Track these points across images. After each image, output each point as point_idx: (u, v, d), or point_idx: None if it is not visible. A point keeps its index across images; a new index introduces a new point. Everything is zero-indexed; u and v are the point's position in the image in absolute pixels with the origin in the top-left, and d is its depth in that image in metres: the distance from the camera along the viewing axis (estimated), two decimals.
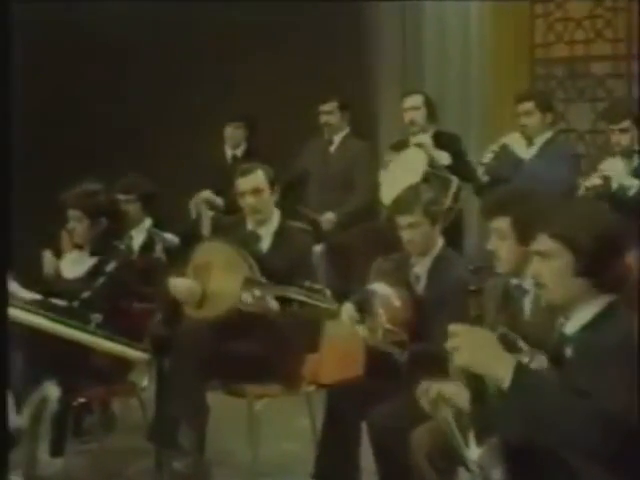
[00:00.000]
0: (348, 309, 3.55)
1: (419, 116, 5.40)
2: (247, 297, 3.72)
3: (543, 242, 2.34)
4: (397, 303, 3.41)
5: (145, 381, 3.98)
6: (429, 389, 2.78)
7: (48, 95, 6.58)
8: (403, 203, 3.60)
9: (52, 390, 3.68)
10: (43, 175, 6.22)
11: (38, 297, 3.91)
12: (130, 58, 6.70)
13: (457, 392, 2.61)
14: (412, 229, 3.54)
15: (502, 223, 2.99)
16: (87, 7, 6.59)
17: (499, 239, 3.01)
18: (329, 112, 5.75)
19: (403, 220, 3.56)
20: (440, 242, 3.64)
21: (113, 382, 3.91)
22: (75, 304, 3.85)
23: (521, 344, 2.39)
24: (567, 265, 2.30)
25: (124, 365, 3.87)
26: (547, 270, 2.33)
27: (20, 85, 6.12)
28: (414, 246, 3.58)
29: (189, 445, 3.86)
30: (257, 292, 3.71)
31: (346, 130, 5.80)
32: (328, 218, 5.58)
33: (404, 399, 3.17)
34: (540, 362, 2.35)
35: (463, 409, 2.62)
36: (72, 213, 4.02)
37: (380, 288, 3.46)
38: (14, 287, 3.90)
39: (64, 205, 4.03)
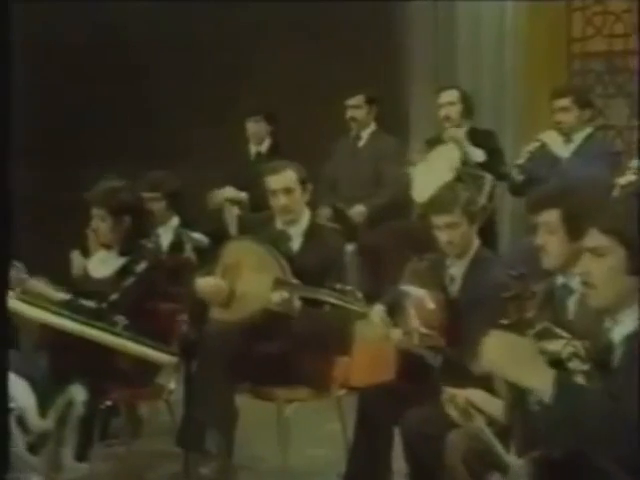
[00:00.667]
0: (378, 311, 3.51)
1: (454, 112, 5.32)
2: (277, 298, 3.69)
3: (595, 238, 2.27)
4: (430, 305, 3.35)
5: (172, 384, 3.94)
6: (456, 397, 2.72)
7: (71, 93, 6.59)
8: (441, 202, 3.53)
9: (78, 393, 3.65)
10: (70, 173, 6.20)
11: (67, 297, 3.87)
12: (150, 53, 6.68)
13: (486, 400, 2.55)
14: (450, 229, 3.47)
15: (551, 216, 2.93)
16: (105, 4, 6.60)
17: (547, 233, 2.94)
18: (356, 106, 5.67)
19: (440, 220, 3.49)
20: (476, 243, 3.57)
21: (140, 385, 3.88)
22: (104, 306, 3.81)
23: (564, 334, 2.32)
24: (619, 263, 2.23)
25: (151, 367, 3.85)
26: (598, 269, 2.26)
27: (42, 84, 6.36)
28: (452, 247, 3.51)
29: (217, 450, 3.83)
30: (287, 293, 3.66)
31: (373, 125, 5.73)
32: (359, 211, 5.50)
33: (437, 404, 3.09)
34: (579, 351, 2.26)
35: (496, 418, 2.57)
36: (96, 212, 3.97)
37: (413, 289, 3.40)
38: (42, 286, 3.87)
39: (88, 203, 4.00)
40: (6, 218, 2.84)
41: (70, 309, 3.74)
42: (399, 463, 3.41)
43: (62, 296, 3.87)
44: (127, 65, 6.70)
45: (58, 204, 6.02)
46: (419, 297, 3.36)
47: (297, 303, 3.65)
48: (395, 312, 3.44)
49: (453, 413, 2.76)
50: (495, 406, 2.63)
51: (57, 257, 4.40)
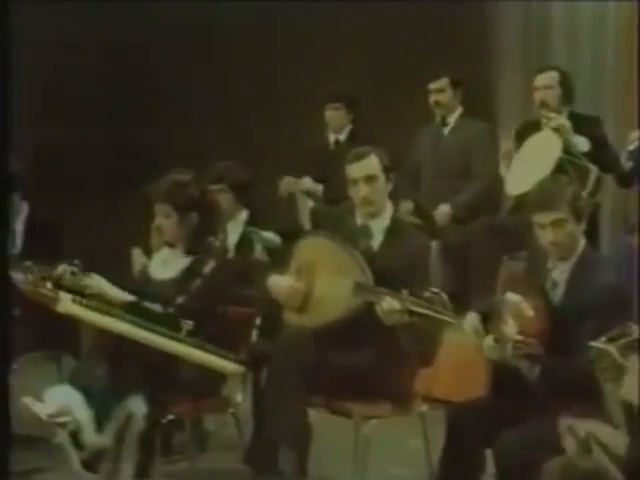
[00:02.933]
0: (472, 320, 3.26)
1: (552, 96, 5.01)
2: (357, 304, 3.54)
3: None
4: (530, 313, 3.11)
5: (240, 396, 3.82)
6: (576, 428, 2.49)
7: (139, 83, 6.61)
8: (546, 197, 3.28)
9: (138, 405, 3.53)
10: (131, 165, 6.18)
11: (132, 299, 3.74)
12: (221, 36, 6.66)
13: (613, 436, 2.32)
14: (556, 228, 3.23)
15: None
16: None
17: None
18: (440, 90, 5.46)
19: (545, 217, 3.23)
20: (583, 243, 3.32)
21: (205, 396, 3.74)
22: (170, 310, 3.69)
23: None
24: None
25: (217, 378, 3.72)
26: None
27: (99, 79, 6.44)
28: (557, 248, 3.27)
29: (289, 469, 3.68)
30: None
31: (459, 110, 5.51)
32: (444, 212, 5.28)
33: (536, 424, 3.01)
34: None
35: (618, 455, 2.39)
36: (159, 208, 3.82)
37: (510, 295, 3.16)
38: (104, 285, 3.74)
39: (151, 199, 3.84)
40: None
41: (134, 313, 3.61)
42: None
43: (127, 297, 3.74)
44: (199, 52, 6.68)
45: (116, 199, 5.98)
46: (516, 303, 3.13)
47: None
48: (489, 321, 3.20)
49: (570, 446, 2.53)
50: (619, 441, 2.39)
51: (117, 255, 4.27)
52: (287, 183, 5.51)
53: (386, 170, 3.79)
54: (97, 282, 3.72)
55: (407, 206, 5.28)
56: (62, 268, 3.67)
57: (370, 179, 3.74)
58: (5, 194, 2.72)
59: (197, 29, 6.62)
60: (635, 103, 5.21)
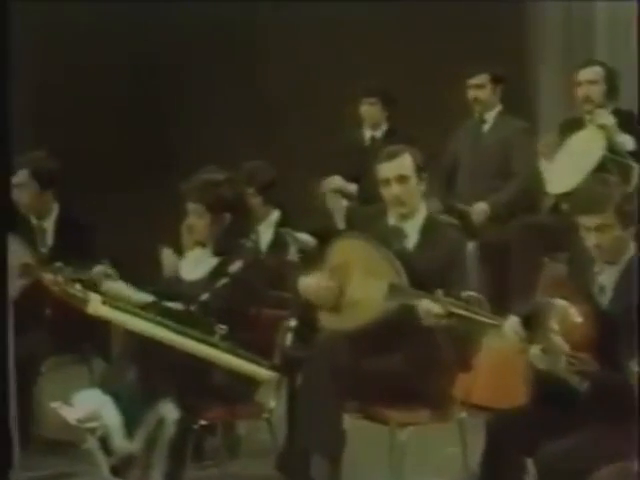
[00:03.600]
0: (514, 324, 3.19)
1: (596, 92, 4.91)
2: (392, 306, 3.46)
3: None
4: (578, 319, 3.02)
5: (273, 402, 3.75)
6: None
7: (167, 82, 6.63)
8: (591, 199, 3.17)
9: (169, 411, 3.50)
10: (160, 162, 6.22)
11: (149, 299, 3.71)
12: (251, 33, 6.67)
13: None
14: (601, 232, 3.12)
15: None
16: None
17: None
18: (479, 86, 5.37)
19: (590, 221, 3.13)
20: (632, 247, 3.20)
21: (238, 402, 3.68)
22: (193, 308, 3.65)
23: None
24: None
25: (251, 383, 3.67)
26: None
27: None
28: (601, 252, 3.16)
29: (322, 477, 3.59)
30: (405, 301, 3.44)
31: (499, 107, 5.42)
32: (481, 209, 5.17)
33: (582, 437, 2.93)
34: None
35: None
36: (192, 207, 3.77)
37: (556, 300, 3.07)
38: (119, 287, 3.72)
39: (183, 198, 3.80)
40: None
41: (154, 313, 3.57)
42: None
43: (144, 298, 3.71)
44: (240, 45, 6.70)
45: (145, 196, 5.97)
46: (563, 309, 3.04)
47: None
48: (532, 325, 3.12)
49: None
50: None
51: (147, 255, 4.24)
52: (319, 185, 5.45)
53: (419, 170, 3.71)
54: (112, 284, 3.72)
55: (435, 205, 5.21)
56: (97, 270, 3.66)
57: (402, 179, 3.68)
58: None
59: (227, 27, 6.64)
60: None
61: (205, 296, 3.66)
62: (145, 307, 3.64)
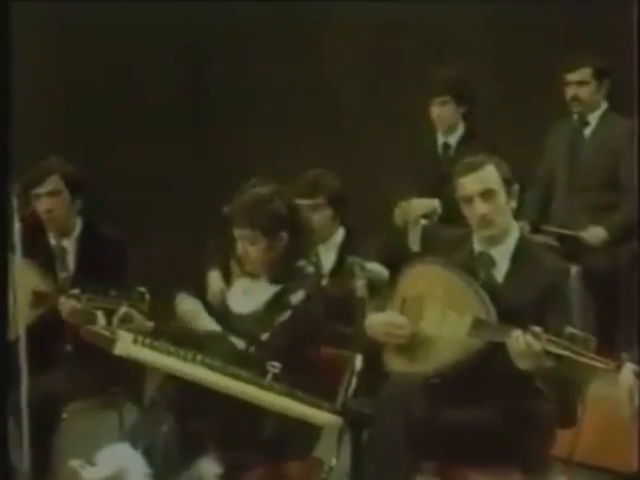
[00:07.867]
0: (630, 375, 3.04)
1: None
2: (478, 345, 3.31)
3: None
4: None
5: (334, 459, 3.53)
6: None
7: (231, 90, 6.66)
8: None
9: (210, 467, 3.34)
10: (208, 174, 6.19)
11: (216, 330, 3.56)
12: (318, 35, 6.62)
13: None
14: None
15: None
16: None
17: None
18: (581, 82, 5.12)
19: None
20: None
21: (291, 458, 3.49)
22: (251, 349, 3.48)
23: None
24: None
25: (307, 435, 3.49)
26: None
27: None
28: None
29: None
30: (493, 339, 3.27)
31: (604, 106, 5.15)
32: (596, 234, 4.86)
33: None
34: None
35: None
36: (241, 233, 3.56)
37: None
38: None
39: (229, 221, 3.60)
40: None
41: (213, 349, 3.41)
42: None
43: (210, 326, 3.55)
44: (307, 47, 6.67)
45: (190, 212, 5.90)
46: None
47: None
48: None
49: None
50: None
51: (186, 280, 4.02)
52: (402, 211, 5.08)
53: (507, 183, 3.51)
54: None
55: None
56: (124, 310, 3.50)
57: (488, 195, 3.49)
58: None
59: (293, 26, 6.61)
60: None
61: (266, 335, 3.48)
62: (205, 338, 3.48)
